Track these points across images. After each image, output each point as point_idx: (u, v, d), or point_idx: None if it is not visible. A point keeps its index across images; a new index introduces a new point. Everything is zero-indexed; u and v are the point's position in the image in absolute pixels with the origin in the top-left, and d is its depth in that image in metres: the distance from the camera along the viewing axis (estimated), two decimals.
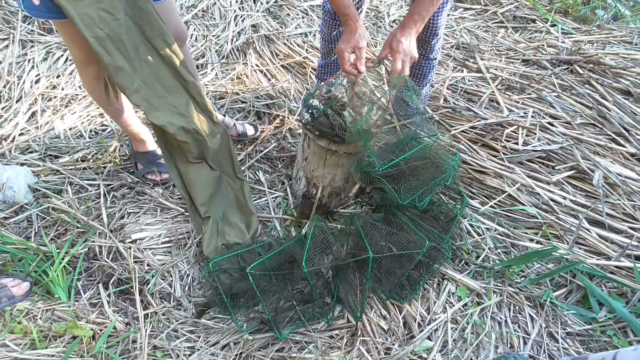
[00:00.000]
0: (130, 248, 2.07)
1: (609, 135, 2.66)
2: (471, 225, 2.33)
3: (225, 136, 2.20)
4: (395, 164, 1.91)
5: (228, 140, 2.22)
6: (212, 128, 2.13)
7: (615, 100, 2.78)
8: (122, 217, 2.22)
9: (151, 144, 2.43)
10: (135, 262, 2.02)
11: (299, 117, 2.78)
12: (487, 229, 2.33)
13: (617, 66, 2.99)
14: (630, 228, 2.28)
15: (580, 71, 3.04)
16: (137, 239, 2.13)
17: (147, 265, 2.03)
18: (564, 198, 2.39)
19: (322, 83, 2.12)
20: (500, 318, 1.98)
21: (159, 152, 2.45)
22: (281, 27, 3.41)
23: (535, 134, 2.67)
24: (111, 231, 2.14)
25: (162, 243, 2.15)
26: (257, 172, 2.56)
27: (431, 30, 2.29)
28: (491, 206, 2.40)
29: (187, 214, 2.25)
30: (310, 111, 2.09)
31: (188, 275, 2.05)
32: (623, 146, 2.60)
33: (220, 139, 2.18)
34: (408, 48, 1.83)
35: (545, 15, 3.88)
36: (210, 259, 1.97)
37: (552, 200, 2.39)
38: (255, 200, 2.39)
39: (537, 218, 2.33)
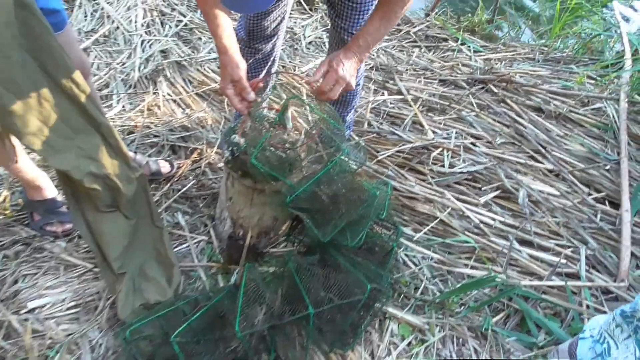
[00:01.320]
0: (27, 320, 1.76)
1: (528, 152, 2.73)
2: (407, 256, 2.25)
3: (142, 181, 1.96)
4: (307, 189, 1.78)
5: (145, 184, 1.98)
6: (127, 173, 1.89)
7: (530, 117, 2.86)
8: (16, 282, 1.90)
9: (50, 191, 2.12)
10: (34, 337, 1.72)
11: (218, 150, 2.57)
12: (423, 257, 2.26)
13: (527, 84, 3.09)
14: (557, 245, 2.32)
15: (495, 90, 3.11)
16: (35, 307, 1.82)
17: (50, 339, 1.73)
18: (493, 220, 2.39)
19: (243, 117, 1.95)
20: (445, 354, 1.90)
21: (60, 199, 2.15)
22: (193, 52, 3.20)
23: (460, 155, 2.67)
24: (1, 301, 1.81)
25: (68, 309, 1.86)
26: (175, 214, 2.32)
27: None
28: (425, 233, 2.34)
29: (97, 270, 1.98)
30: (231, 148, 1.91)
31: (100, 345, 1.77)
32: (541, 163, 2.67)
33: (137, 184, 1.93)
34: (347, 72, 1.72)
35: (456, 34, 3.98)
36: (127, 324, 1.72)
37: (483, 222, 2.38)
38: (175, 248, 2.16)
39: (470, 243, 2.31)
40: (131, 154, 2.39)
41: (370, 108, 2.97)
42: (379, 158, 2.65)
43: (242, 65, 1.70)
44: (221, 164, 2.33)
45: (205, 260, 2.14)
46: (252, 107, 1.82)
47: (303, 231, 2.07)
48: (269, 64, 2.46)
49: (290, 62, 3.32)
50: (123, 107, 2.80)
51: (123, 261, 1.92)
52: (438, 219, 2.37)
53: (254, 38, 2.29)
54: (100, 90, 2.87)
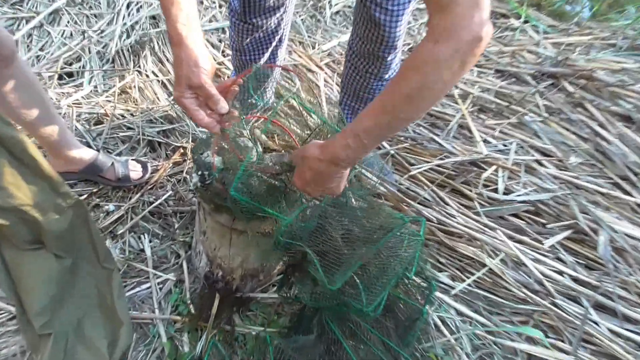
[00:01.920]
0: None
1: (611, 178, 2.08)
2: (440, 317, 1.68)
3: (79, 209, 1.43)
4: (309, 225, 1.24)
5: (85, 213, 1.45)
6: (55, 200, 1.36)
7: (617, 130, 2.19)
8: None
9: None
10: None
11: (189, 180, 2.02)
12: (462, 320, 1.69)
13: (613, 83, 2.40)
14: None
15: (570, 88, 2.43)
16: None
17: None
18: (561, 274, 1.78)
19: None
20: None
21: None
22: None
23: (520, 177, 2.05)
24: None
25: None
26: (142, 236, 1.80)
27: (386, 43, 1.60)
28: (467, 285, 1.76)
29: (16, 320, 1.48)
30: (201, 172, 1.36)
31: None
32: (630, 194, 2.02)
33: (71, 214, 1.41)
34: (317, 176, 1.13)
35: (517, 10, 3.26)
36: None
37: (546, 276, 1.78)
38: (133, 289, 1.65)
39: (526, 304, 1.72)
40: (90, 151, 1.86)
41: None
42: (412, 173, 2.05)
43: (204, 63, 1.10)
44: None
45: (169, 309, 1.62)
46: (226, 122, 1.24)
47: (300, 282, 1.51)
48: (273, 45, 1.86)
49: (309, 37, 2.69)
50: (95, 87, 2.26)
51: (50, 317, 1.41)
52: (486, 268, 1.78)
53: (251, 10, 1.70)
54: (69, 64, 2.33)
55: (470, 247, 1.85)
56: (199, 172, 1.37)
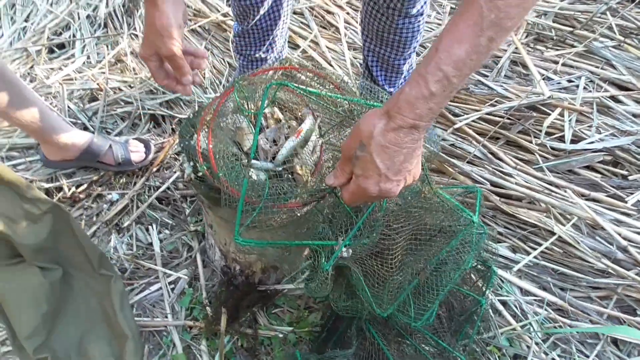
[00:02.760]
0: None
1: None
2: (501, 300, 1.41)
3: (58, 213, 1.24)
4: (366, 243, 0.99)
5: (67, 217, 1.26)
6: (22, 208, 1.17)
7: None
8: None
9: None
10: None
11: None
12: (529, 302, 1.42)
13: None
14: None
15: None
16: None
17: None
18: None
19: (217, 96, 1.12)
20: None
21: None
22: None
23: (592, 119, 1.69)
24: None
25: None
26: (150, 227, 1.60)
27: None
28: (534, 258, 1.48)
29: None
30: (192, 162, 1.11)
31: None
32: None
33: (50, 220, 1.21)
34: (385, 175, 0.80)
35: None
36: None
37: (631, 241, 1.46)
38: (142, 292, 1.46)
39: (608, 277, 1.42)
40: (84, 135, 1.65)
41: None
42: (458, 125, 1.74)
43: (177, 31, 0.99)
44: None
45: (183, 313, 1.42)
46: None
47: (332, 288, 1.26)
48: (267, 19, 1.56)
49: None
50: (88, 58, 2.02)
51: (44, 338, 1.26)
52: (555, 237, 1.48)
53: None
54: (57, 34, 2.09)
55: (533, 211, 1.55)
56: (191, 162, 1.12)
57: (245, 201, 0.94)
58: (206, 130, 1.07)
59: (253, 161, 1.01)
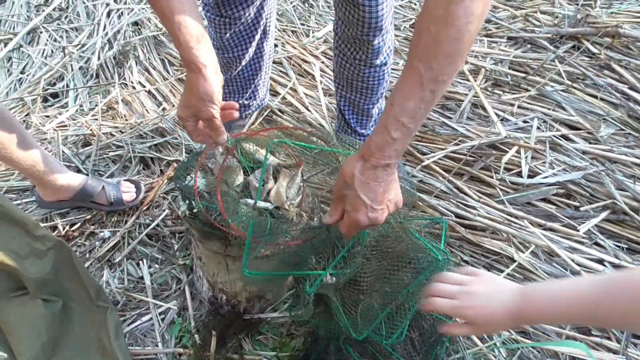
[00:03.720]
0: None
1: None
2: None
3: (61, 249, 1.35)
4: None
5: (69, 253, 1.37)
6: (31, 245, 1.29)
7: None
8: None
9: None
10: None
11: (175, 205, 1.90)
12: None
13: None
14: None
15: (594, 49, 2.23)
16: None
17: None
18: (601, 262, 1.62)
19: (205, 146, 1.27)
20: None
21: None
22: None
23: (545, 155, 1.88)
24: None
25: None
26: (140, 262, 1.71)
27: (369, 25, 1.45)
28: None
29: None
30: (188, 200, 1.25)
31: None
32: None
33: (53, 256, 1.33)
34: (370, 206, 0.98)
35: None
36: None
37: (583, 267, 1.62)
38: (133, 323, 1.56)
39: None
40: (78, 177, 1.77)
41: None
42: (426, 163, 1.91)
43: (218, 98, 1.10)
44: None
45: (173, 342, 1.52)
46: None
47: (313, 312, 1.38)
48: (257, 38, 1.73)
49: (302, 24, 2.54)
50: (81, 106, 2.17)
51: None
52: (515, 264, 1.63)
53: (225, 0, 1.58)
54: (52, 84, 2.25)
55: (495, 240, 1.71)
56: (186, 201, 1.26)
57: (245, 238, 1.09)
58: (203, 173, 1.22)
59: (252, 201, 1.16)
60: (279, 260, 1.21)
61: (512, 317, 0.88)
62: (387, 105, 0.92)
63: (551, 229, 1.72)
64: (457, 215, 1.76)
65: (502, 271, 1.65)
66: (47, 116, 2.12)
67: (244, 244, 1.12)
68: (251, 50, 1.80)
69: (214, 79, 1.09)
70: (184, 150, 2.00)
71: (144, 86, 2.25)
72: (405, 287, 1.19)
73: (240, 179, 1.25)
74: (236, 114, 1.20)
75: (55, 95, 2.25)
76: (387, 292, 1.21)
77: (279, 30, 2.48)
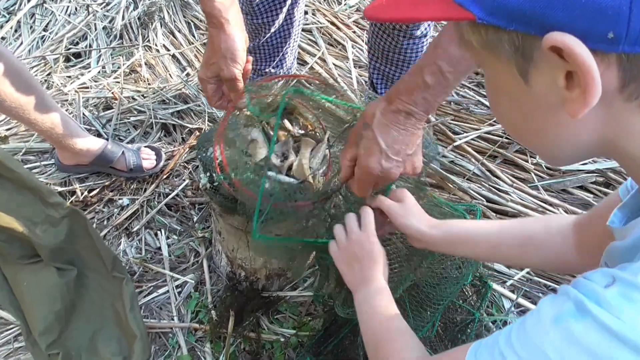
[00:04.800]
0: None
1: None
2: (496, 321, 1.47)
3: (75, 218, 1.31)
4: None
5: (84, 221, 1.32)
6: (44, 212, 1.25)
7: None
8: None
9: None
10: None
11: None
12: (520, 312, 1.48)
13: None
14: None
15: None
16: None
17: None
18: None
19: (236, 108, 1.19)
20: None
21: None
22: None
23: None
24: None
25: None
26: (158, 232, 1.66)
27: None
28: (527, 273, 1.54)
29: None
30: (209, 173, 1.18)
31: None
32: None
33: (68, 224, 1.28)
34: (385, 153, 0.87)
35: None
36: None
37: None
38: (150, 295, 1.52)
39: None
40: (98, 140, 1.72)
41: None
42: (457, 143, 1.81)
43: (241, 56, 1.03)
44: None
45: (189, 316, 1.48)
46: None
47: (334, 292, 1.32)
48: (288, 4, 1.64)
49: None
50: (103, 67, 2.10)
51: (57, 335, 1.32)
52: None
53: None
54: (74, 44, 2.18)
55: (491, 219, 1.61)
56: (207, 173, 1.19)
57: (254, 199, 1.01)
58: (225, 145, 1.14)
59: (270, 173, 1.08)
60: (289, 227, 1.13)
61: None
62: (429, 47, 0.82)
63: None
64: (489, 200, 1.67)
65: None
66: (69, 77, 2.06)
67: (253, 208, 1.05)
68: (281, 17, 1.70)
69: (238, 35, 1.01)
70: (207, 118, 1.93)
71: (168, 50, 2.17)
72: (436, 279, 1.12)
73: (264, 152, 1.18)
74: (249, 66, 1.11)
75: (77, 55, 2.18)
76: (414, 282, 1.14)
77: None
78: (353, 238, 0.91)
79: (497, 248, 0.89)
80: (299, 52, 2.11)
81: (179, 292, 1.54)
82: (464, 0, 0.43)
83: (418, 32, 1.47)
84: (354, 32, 2.23)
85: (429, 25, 1.48)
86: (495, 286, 1.53)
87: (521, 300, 1.49)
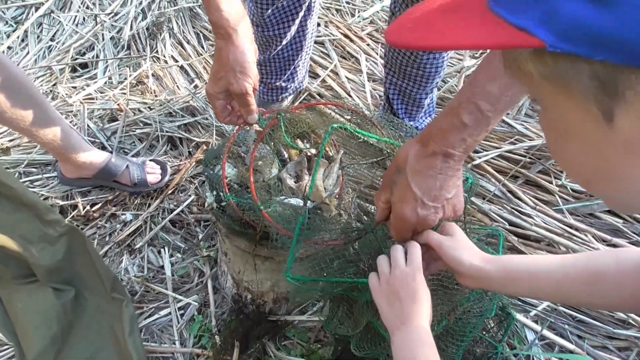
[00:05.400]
0: None
1: None
2: (516, 356, 1.38)
3: (74, 236, 1.24)
4: None
5: (83, 240, 1.26)
6: (41, 230, 1.18)
7: None
8: None
9: None
10: None
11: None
12: (544, 345, 1.39)
13: None
14: None
15: None
16: None
17: None
18: None
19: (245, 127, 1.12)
20: None
21: None
22: None
23: None
24: None
25: None
26: (162, 250, 1.60)
27: None
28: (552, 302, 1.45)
29: None
30: (216, 192, 1.11)
31: None
32: None
33: (66, 242, 1.22)
34: (421, 200, 0.81)
35: None
36: None
37: None
38: (149, 318, 1.45)
39: (628, 328, 1.39)
40: (102, 154, 1.66)
41: (464, 77, 2.00)
42: (477, 162, 1.73)
43: (251, 69, 0.97)
44: None
45: (191, 341, 1.41)
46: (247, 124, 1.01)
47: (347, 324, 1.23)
48: (300, 16, 1.58)
49: (347, 2, 2.36)
50: (110, 78, 2.06)
51: (52, 359, 1.23)
52: None
53: None
54: (81, 54, 2.14)
55: (551, 254, 1.52)
56: (214, 192, 1.12)
57: (288, 236, 0.95)
58: (234, 161, 1.07)
59: (288, 199, 1.01)
60: (314, 264, 1.06)
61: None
62: (465, 84, 0.76)
63: (617, 246, 1.53)
64: (510, 223, 1.59)
65: None
66: (74, 87, 2.01)
67: (276, 240, 0.98)
68: (293, 29, 1.65)
69: (247, 47, 0.96)
70: (214, 132, 1.87)
71: (177, 61, 2.13)
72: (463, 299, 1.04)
73: (274, 170, 1.11)
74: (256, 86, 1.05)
75: (84, 66, 2.14)
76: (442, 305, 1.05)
77: (322, 7, 2.31)
78: (397, 273, 0.82)
79: (561, 287, 0.80)
80: (310, 65, 2.05)
81: (182, 315, 1.47)
82: (527, 22, 0.34)
83: None
84: (368, 44, 2.18)
85: None
86: (518, 316, 1.44)
87: (546, 332, 1.40)
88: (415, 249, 0.84)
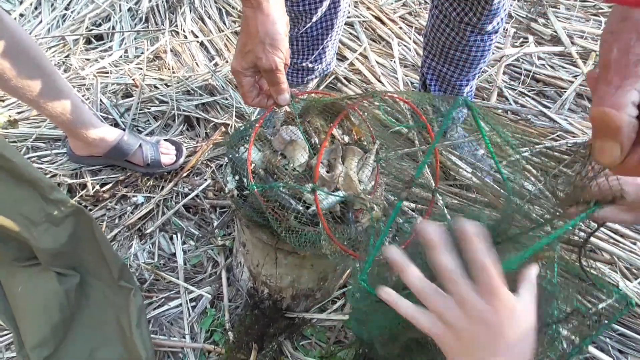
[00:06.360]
0: None
1: None
2: None
3: (80, 217, 1.15)
4: None
5: (90, 222, 1.17)
6: (44, 210, 1.09)
7: None
8: None
9: None
10: None
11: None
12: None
13: None
14: None
15: None
16: None
17: None
18: None
19: (275, 112, 1.02)
20: None
21: None
22: None
23: None
24: None
25: None
26: (173, 237, 1.51)
27: None
28: (594, 314, 1.34)
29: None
30: (239, 177, 1.02)
31: None
32: None
33: (71, 224, 1.13)
34: None
35: None
36: None
37: None
38: (159, 308, 1.36)
39: None
40: (114, 131, 1.57)
41: (503, 66, 1.87)
42: (513, 158, 1.61)
43: (282, 42, 0.86)
44: None
45: (203, 335, 1.32)
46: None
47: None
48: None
49: None
50: (125, 52, 1.96)
51: (52, 349, 1.18)
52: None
53: None
54: (97, 25, 2.04)
55: (595, 261, 1.42)
56: (236, 177, 1.02)
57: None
58: (260, 144, 0.97)
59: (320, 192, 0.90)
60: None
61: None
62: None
63: None
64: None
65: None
66: (88, 59, 1.92)
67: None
68: (325, 4, 1.53)
69: (278, 17, 0.85)
70: (234, 113, 1.77)
71: (197, 36, 2.02)
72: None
73: (304, 157, 1.01)
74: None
75: (99, 38, 2.05)
76: None
77: None
78: (473, 312, 0.58)
79: None
80: (338, 47, 1.94)
81: (193, 307, 1.38)
82: None
83: (490, 27, 1.28)
84: (400, 28, 2.06)
85: (502, 19, 1.30)
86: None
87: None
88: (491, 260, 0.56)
